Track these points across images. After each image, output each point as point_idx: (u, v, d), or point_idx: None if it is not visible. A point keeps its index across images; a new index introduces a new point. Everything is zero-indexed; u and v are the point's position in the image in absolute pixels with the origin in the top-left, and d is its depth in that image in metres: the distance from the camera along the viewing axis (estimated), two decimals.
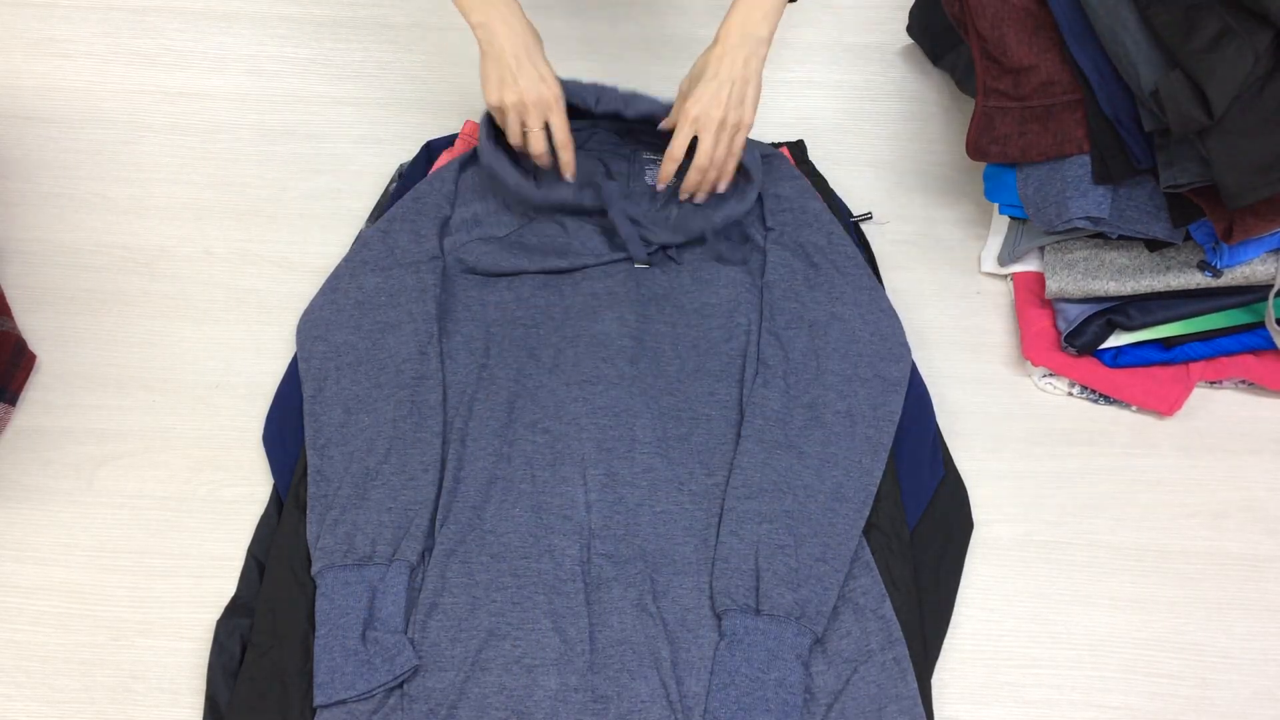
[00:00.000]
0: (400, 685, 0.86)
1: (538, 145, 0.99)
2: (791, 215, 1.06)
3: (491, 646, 0.87)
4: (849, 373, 0.98)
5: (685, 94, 0.96)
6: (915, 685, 0.87)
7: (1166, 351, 1.05)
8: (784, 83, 1.27)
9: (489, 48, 0.96)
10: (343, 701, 0.84)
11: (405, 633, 0.87)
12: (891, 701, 0.86)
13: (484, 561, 0.91)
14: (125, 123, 1.22)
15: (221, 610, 0.92)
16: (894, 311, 1.01)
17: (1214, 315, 1.03)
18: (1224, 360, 1.06)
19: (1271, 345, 1.04)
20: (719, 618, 0.89)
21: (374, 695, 0.85)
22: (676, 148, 0.96)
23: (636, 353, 1.00)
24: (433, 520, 0.93)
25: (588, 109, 1.05)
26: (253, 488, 1.00)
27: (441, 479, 0.94)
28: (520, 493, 0.94)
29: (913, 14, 1.26)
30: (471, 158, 1.09)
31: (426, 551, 0.91)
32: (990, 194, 1.10)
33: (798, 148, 1.18)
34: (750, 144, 1.02)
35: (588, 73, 1.26)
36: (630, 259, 1.05)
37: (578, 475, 0.95)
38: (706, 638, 0.88)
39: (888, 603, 0.89)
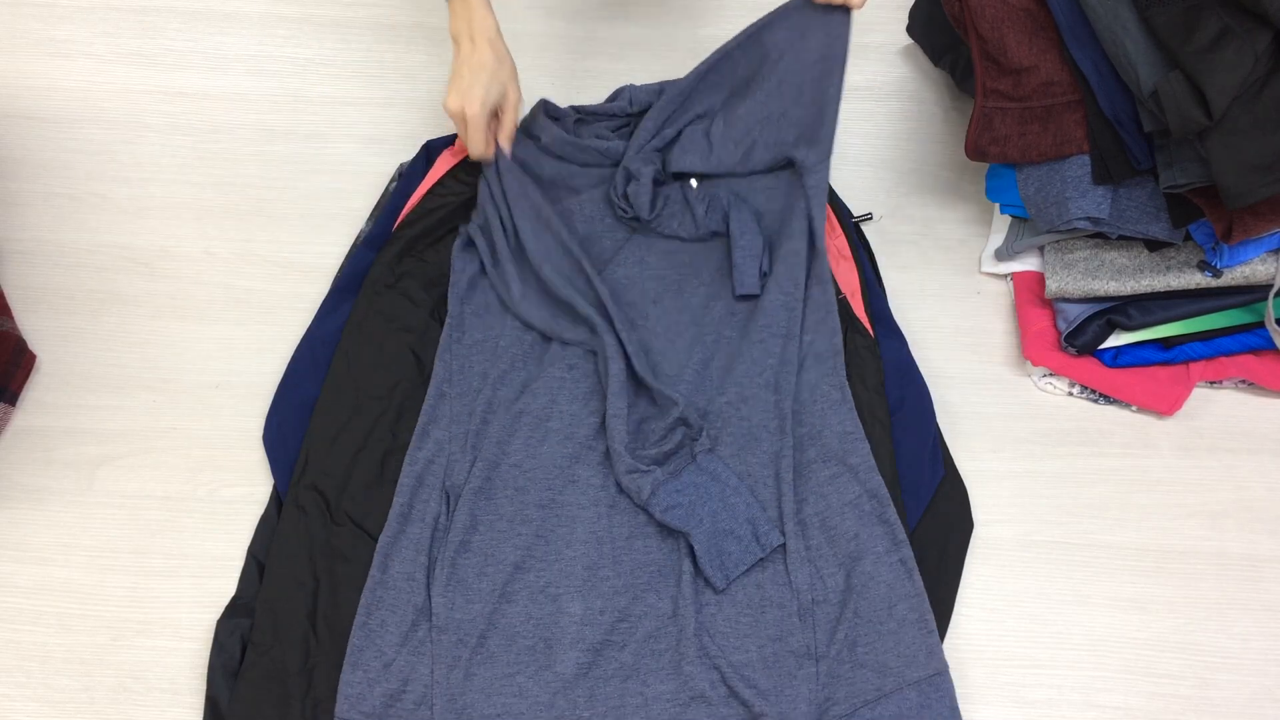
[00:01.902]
0: (430, 618, 0.89)
1: (477, 147, 1.02)
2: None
3: (518, 579, 0.90)
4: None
5: None
6: (921, 584, 0.90)
7: (1166, 351, 1.05)
8: None
9: (456, 58, 1.01)
10: None
11: (434, 572, 0.90)
12: (901, 600, 0.89)
13: (510, 495, 0.94)
14: (125, 123, 1.22)
15: (221, 610, 0.92)
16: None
17: (1214, 315, 1.03)
18: (1224, 360, 1.06)
19: (1271, 345, 1.04)
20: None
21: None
22: None
23: (659, 292, 1.03)
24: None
25: (621, 112, 1.10)
26: (253, 488, 1.00)
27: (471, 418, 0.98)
28: (547, 429, 0.97)
29: (913, 14, 1.26)
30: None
31: (451, 494, 0.94)
32: (992, 194, 1.10)
33: None
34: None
35: (588, 74, 1.27)
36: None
37: (602, 407, 0.97)
38: None
39: (891, 509, 0.92)
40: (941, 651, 0.88)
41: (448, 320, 1.02)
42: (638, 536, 0.92)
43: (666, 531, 0.92)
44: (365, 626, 0.88)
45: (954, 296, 1.13)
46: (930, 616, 0.89)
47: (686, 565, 0.90)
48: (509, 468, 0.95)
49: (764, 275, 1.02)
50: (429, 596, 0.90)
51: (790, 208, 1.04)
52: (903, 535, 0.91)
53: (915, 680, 0.87)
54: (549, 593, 0.90)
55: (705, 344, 1.01)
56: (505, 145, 1.05)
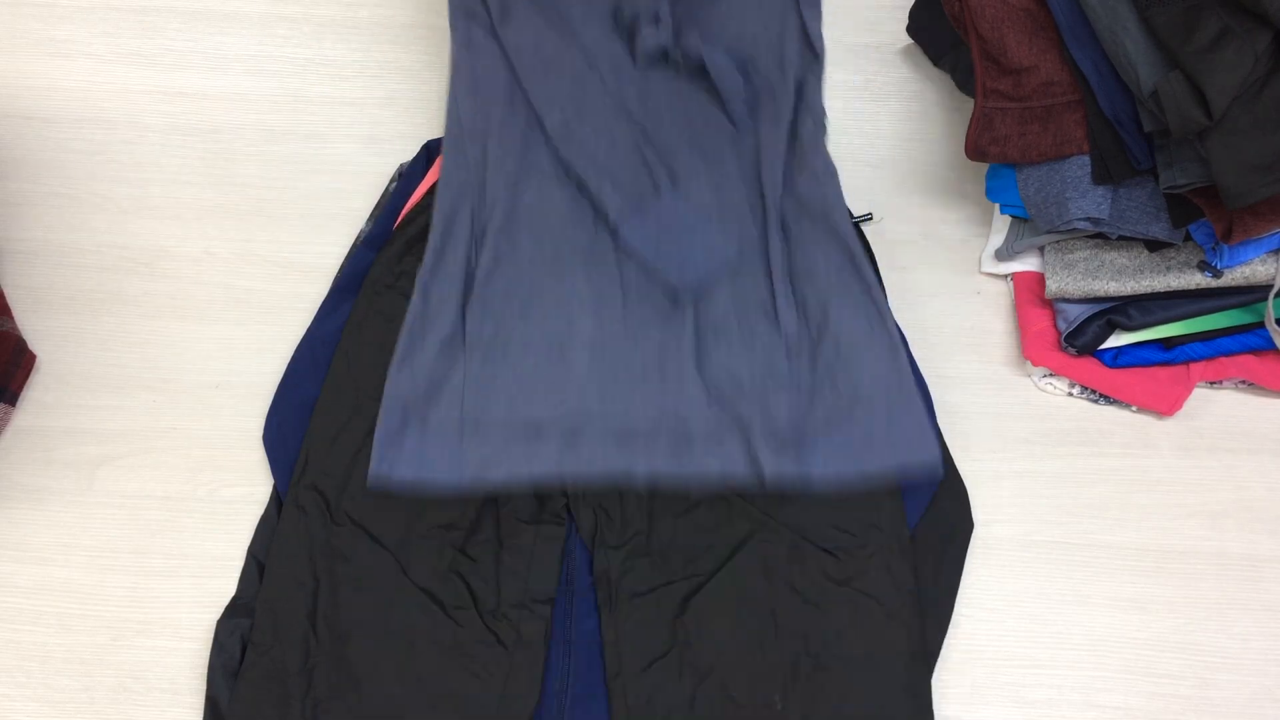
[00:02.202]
0: (463, 336, 0.95)
1: None
2: None
3: (535, 303, 0.96)
4: None
5: None
6: (895, 329, 0.95)
7: (1166, 351, 1.05)
8: None
9: None
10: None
11: (468, 298, 0.96)
12: (876, 339, 0.95)
13: (528, 237, 0.99)
14: (125, 123, 1.22)
15: (221, 610, 0.92)
16: None
17: (1214, 315, 1.03)
18: (1224, 360, 1.06)
19: (1271, 345, 1.04)
20: None
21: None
22: None
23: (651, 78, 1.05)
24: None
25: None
26: (253, 488, 1.01)
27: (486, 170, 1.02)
28: (559, 177, 1.01)
29: (913, 14, 1.26)
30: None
31: (477, 237, 0.99)
32: (992, 194, 1.10)
33: None
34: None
35: None
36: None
37: None
38: (723, 288, 0.98)
39: (868, 269, 0.97)
40: (913, 382, 0.93)
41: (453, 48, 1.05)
42: (648, 294, 0.97)
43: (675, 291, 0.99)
44: (410, 338, 0.94)
45: (954, 296, 1.13)
46: (901, 354, 0.94)
47: (689, 312, 0.96)
48: (525, 211, 1.00)
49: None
50: (463, 318, 0.95)
51: (783, 35, 1.05)
52: (880, 293, 0.97)
53: (888, 402, 0.92)
54: (564, 311, 0.96)
55: (696, 124, 1.04)
56: None
